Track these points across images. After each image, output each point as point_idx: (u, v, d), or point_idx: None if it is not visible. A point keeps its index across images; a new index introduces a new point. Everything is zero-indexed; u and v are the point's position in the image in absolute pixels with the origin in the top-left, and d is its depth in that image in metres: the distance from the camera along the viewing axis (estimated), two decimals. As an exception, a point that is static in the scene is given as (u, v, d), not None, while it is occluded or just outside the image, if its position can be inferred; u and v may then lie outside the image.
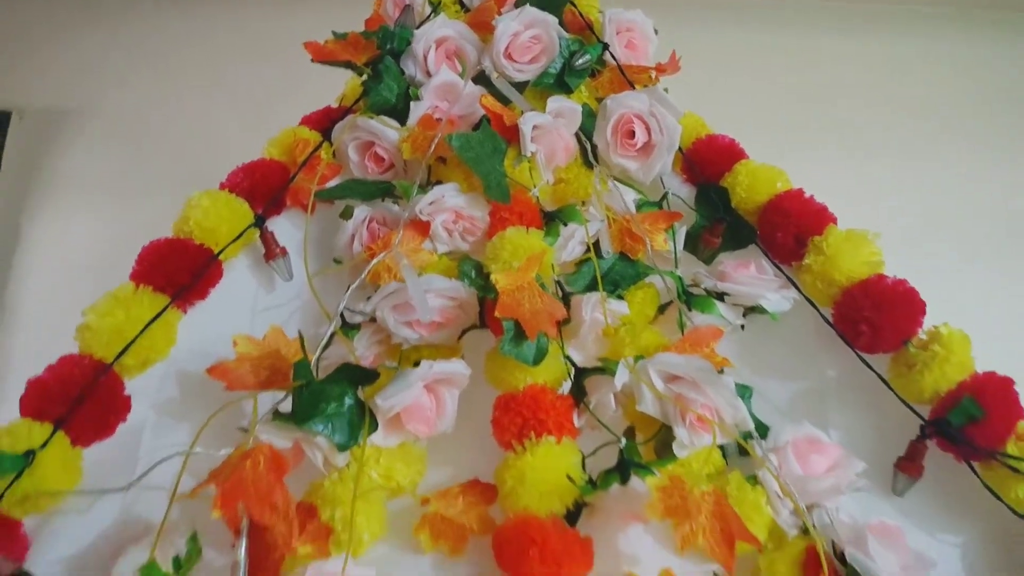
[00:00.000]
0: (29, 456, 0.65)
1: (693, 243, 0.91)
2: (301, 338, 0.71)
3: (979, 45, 1.91)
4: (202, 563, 0.70)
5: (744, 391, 0.80)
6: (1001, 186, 1.72)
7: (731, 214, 0.89)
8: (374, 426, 0.73)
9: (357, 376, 0.72)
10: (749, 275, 0.84)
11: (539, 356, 0.74)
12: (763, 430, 0.76)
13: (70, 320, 0.78)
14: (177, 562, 0.67)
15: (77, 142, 1.79)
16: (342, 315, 0.81)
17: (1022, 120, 1.82)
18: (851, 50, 1.90)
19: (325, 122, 0.93)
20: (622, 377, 0.73)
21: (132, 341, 0.71)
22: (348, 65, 0.93)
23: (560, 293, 0.82)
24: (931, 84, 1.85)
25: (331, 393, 0.71)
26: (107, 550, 0.69)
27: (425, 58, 0.94)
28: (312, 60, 0.93)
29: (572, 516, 0.70)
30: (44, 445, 0.66)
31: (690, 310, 0.84)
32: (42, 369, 0.74)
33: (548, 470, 0.69)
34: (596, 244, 0.87)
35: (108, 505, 0.71)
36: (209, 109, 1.79)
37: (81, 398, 0.69)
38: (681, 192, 0.93)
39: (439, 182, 0.86)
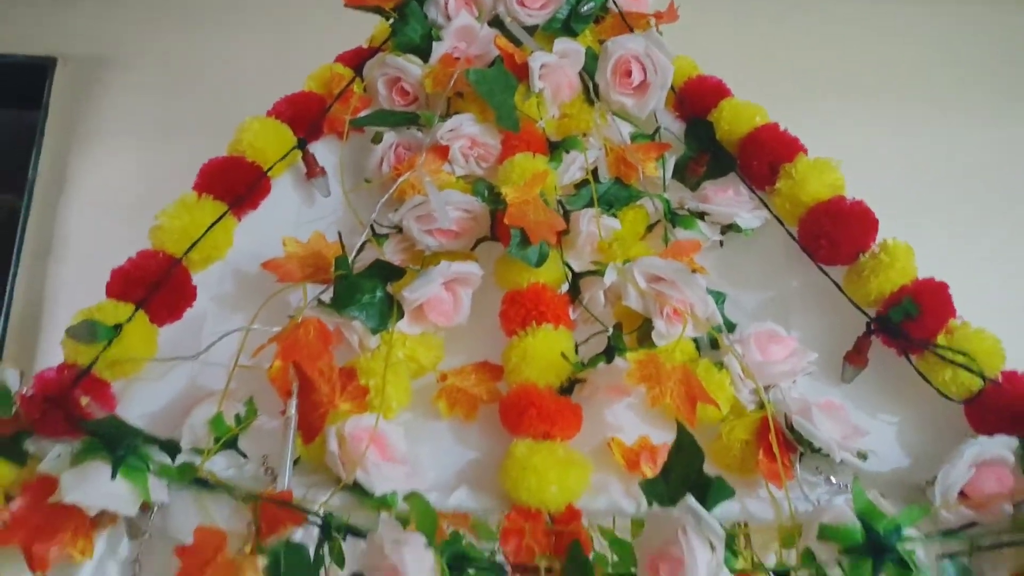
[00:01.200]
0: (117, 329, 0.79)
1: (681, 172, 1.02)
2: (340, 238, 0.85)
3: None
4: (256, 425, 0.84)
5: (718, 297, 0.93)
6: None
7: (715, 145, 1.00)
8: (400, 315, 0.86)
9: (387, 272, 0.86)
10: (727, 197, 0.96)
11: (541, 259, 0.87)
12: (731, 327, 0.89)
13: (112, 250, 0.91)
14: (238, 418, 0.81)
15: (116, 87, 1.92)
16: (372, 226, 0.94)
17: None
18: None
19: (357, 60, 1.05)
20: (611, 276, 0.85)
21: (198, 240, 0.85)
22: (377, 10, 1.05)
23: (561, 210, 0.94)
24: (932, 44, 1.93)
25: (365, 286, 0.85)
26: (178, 411, 0.83)
27: (446, 4, 1.05)
28: (344, 4, 1.05)
29: (566, 391, 0.83)
30: (129, 320, 0.80)
31: (674, 227, 0.96)
32: (83, 295, 0.88)
33: (546, 350, 0.82)
34: (594, 170, 0.99)
35: (178, 375, 0.86)
36: (237, 55, 1.90)
37: (157, 284, 0.82)
38: (672, 126, 1.04)
39: (457, 113, 0.98)
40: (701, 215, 0.97)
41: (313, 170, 0.97)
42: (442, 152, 0.95)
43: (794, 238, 0.94)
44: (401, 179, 0.92)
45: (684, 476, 0.67)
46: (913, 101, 1.86)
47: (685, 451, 0.68)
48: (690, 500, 0.62)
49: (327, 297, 0.84)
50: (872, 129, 1.79)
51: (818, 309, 0.93)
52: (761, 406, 0.82)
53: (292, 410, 0.79)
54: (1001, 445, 0.76)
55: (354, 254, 0.89)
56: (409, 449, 0.80)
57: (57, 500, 0.66)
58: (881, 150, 1.73)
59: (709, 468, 0.70)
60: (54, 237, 1.79)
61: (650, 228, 0.99)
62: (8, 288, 1.68)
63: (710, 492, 0.65)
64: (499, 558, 0.72)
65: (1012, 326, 0.84)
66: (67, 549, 0.70)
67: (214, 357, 0.86)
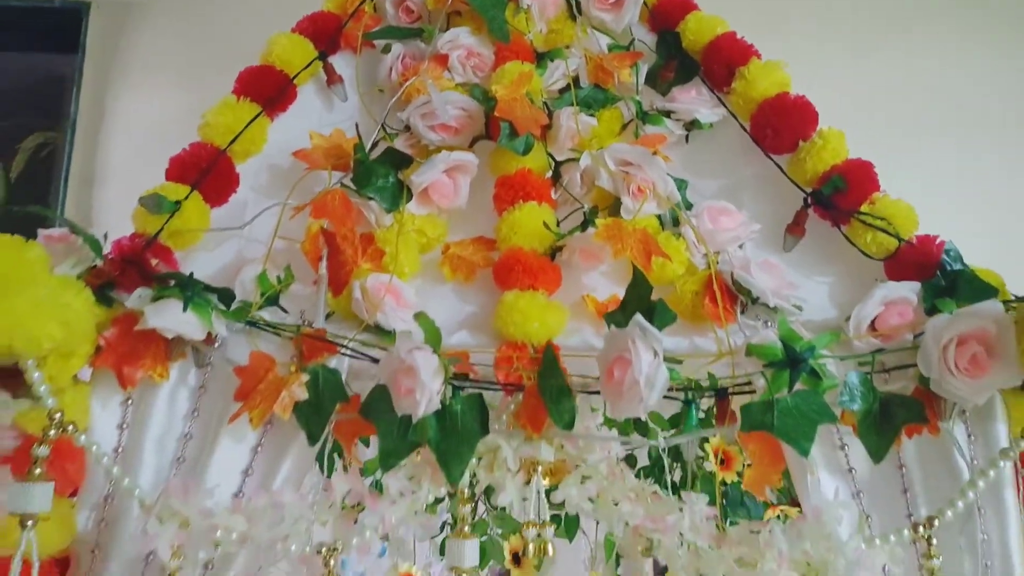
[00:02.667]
0: (177, 204, 0.96)
1: (652, 78, 1.17)
2: (358, 129, 1.01)
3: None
4: (292, 290, 1.02)
5: (681, 183, 1.08)
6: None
7: (681, 53, 1.14)
8: (409, 197, 1.02)
9: (397, 159, 1.02)
10: (690, 97, 1.11)
11: (527, 149, 1.02)
12: (690, 207, 1.05)
13: (148, 177, 1.07)
14: (278, 279, 0.98)
15: (147, 29, 2.07)
16: (384, 125, 1.09)
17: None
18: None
19: (368, -16, 1.19)
20: (585, 161, 1.01)
21: (239, 134, 1.01)
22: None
23: (546, 110, 1.09)
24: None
25: (379, 171, 1.01)
26: (228, 276, 1.00)
27: (444, -68, 1.19)
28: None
29: (548, 257, 1.00)
30: (186, 198, 0.97)
31: (644, 125, 1.11)
32: (127, 217, 1.04)
33: (531, 221, 0.98)
34: (576, 78, 1.14)
35: (227, 248, 1.03)
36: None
37: (207, 170, 0.99)
38: (645, 38, 1.18)
39: (455, 27, 1.13)
40: (667, 113, 1.12)
41: (332, 78, 1.12)
42: (442, 60, 1.10)
43: (747, 131, 1.09)
44: (407, 84, 1.07)
45: (636, 305, 0.83)
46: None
47: (638, 287, 0.84)
48: (638, 318, 0.79)
49: (347, 181, 1.01)
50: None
51: (765, 192, 1.08)
52: (710, 267, 0.98)
53: (323, 269, 0.96)
54: (906, 288, 0.92)
55: (369, 147, 1.05)
56: (418, 304, 0.98)
57: (142, 327, 0.84)
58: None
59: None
60: (96, 167, 1.97)
61: (624, 127, 1.14)
62: (60, 211, 1.87)
63: (656, 314, 0.81)
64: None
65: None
66: (148, 372, 0.88)
67: (256, 234, 1.03)
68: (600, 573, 1.51)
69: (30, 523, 0.77)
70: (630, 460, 1.46)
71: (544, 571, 1.53)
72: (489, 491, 1.49)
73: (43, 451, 0.78)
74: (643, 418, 0.78)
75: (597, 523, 1.48)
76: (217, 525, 0.79)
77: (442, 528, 1.53)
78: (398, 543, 1.59)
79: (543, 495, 0.86)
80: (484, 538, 1.55)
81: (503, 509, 1.51)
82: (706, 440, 1.47)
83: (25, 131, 2.21)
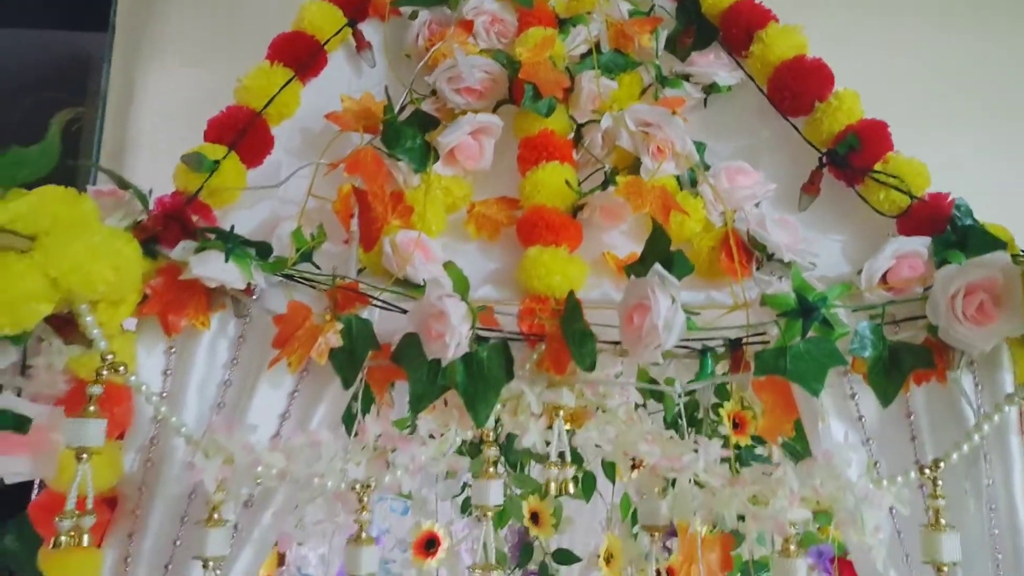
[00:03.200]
0: (216, 163, 1.01)
1: (672, 44, 1.20)
2: (387, 92, 1.05)
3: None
4: (324, 248, 1.06)
5: (700, 146, 1.11)
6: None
7: (700, 18, 1.17)
8: (436, 158, 1.06)
9: (424, 121, 1.06)
10: (709, 61, 1.14)
11: (550, 110, 1.06)
12: (707, 168, 1.08)
13: (178, 151, 1.12)
14: (312, 236, 1.02)
15: (175, 6, 2.12)
16: (411, 89, 1.13)
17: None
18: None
19: (395, -47, 1.23)
20: (607, 122, 1.05)
21: (273, 96, 1.06)
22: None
23: (568, 74, 1.12)
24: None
25: (407, 132, 1.05)
26: (264, 234, 1.04)
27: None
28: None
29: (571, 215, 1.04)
30: (224, 157, 1.01)
31: (663, 88, 1.14)
32: (159, 190, 1.08)
33: (554, 180, 1.02)
34: (597, 43, 1.17)
35: (262, 207, 1.07)
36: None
37: (243, 131, 1.03)
38: (665, 5, 1.21)
39: (480, -5, 1.17)
40: (686, 77, 1.15)
41: (361, 44, 1.16)
42: (467, 26, 1.13)
43: (764, 94, 1.11)
44: (434, 49, 1.11)
45: (655, 256, 0.87)
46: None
47: (657, 239, 0.88)
48: (657, 267, 0.83)
49: (377, 143, 1.05)
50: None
51: (782, 154, 1.11)
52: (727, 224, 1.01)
53: (355, 226, 1.00)
54: (917, 243, 0.95)
55: (397, 111, 1.09)
56: (445, 260, 1.02)
57: (186, 276, 0.89)
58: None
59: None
60: (127, 141, 2.02)
61: (644, 91, 1.17)
62: (92, 178, 1.93)
63: (674, 264, 0.85)
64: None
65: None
66: (191, 320, 0.93)
67: (290, 194, 1.08)
68: (616, 534, 1.56)
69: (84, 456, 0.82)
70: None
71: (562, 530, 1.58)
72: (509, 456, 1.55)
73: (96, 390, 0.84)
74: (659, 361, 0.82)
75: (613, 485, 1.53)
76: (259, 460, 0.84)
77: (463, 489, 1.58)
78: (421, 502, 1.65)
79: (564, 438, 0.90)
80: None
81: (523, 470, 1.56)
82: (720, 405, 1.51)
83: (54, 107, 2.28)
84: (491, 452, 0.93)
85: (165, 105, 2.02)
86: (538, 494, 1.55)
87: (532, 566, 1.57)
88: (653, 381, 1.38)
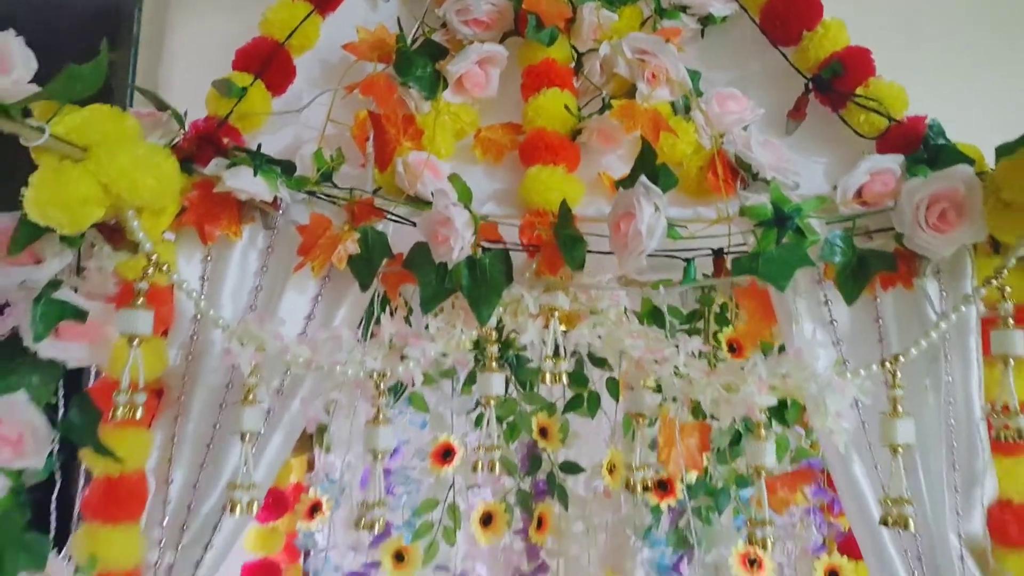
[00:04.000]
0: (244, 90, 1.10)
1: (671, -20, 1.25)
2: (399, 22, 1.12)
3: None
4: (343, 171, 1.15)
5: (695, 75, 1.18)
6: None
7: (700, -46, 1.22)
8: (445, 86, 1.14)
9: (434, 50, 1.14)
10: (705, -7, 1.20)
11: (552, 40, 1.13)
12: (700, 95, 1.15)
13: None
14: (331, 158, 1.11)
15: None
16: (422, 23, 1.21)
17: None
18: None
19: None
20: (604, 49, 1.12)
21: (295, 29, 1.14)
22: None
23: (570, 6, 1.19)
24: None
25: (418, 61, 1.13)
26: (289, 154, 1.13)
27: None
28: None
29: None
30: (251, 84, 1.10)
31: (661, 20, 1.20)
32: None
33: (554, 105, 1.10)
34: (599, -23, 1.23)
35: (286, 133, 1.16)
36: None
37: (268, 61, 1.12)
38: (664, -58, 1.26)
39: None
40: (684, 8, 1.20)
41: (376, -20, 1.24)
42: (476, -39, 1.20)
43: (756, 24, 1.17)
44: (444, -16, 1.18)
45: (643, 170, 0.95)
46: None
47: (645, 156, 0.96)
48: (643, 178, 0.91)
49: (391, 72, 1.13)
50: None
51: (772, 83, 1.17)
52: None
53: (370, 148, 1.09)
54: (890, 160, 1.01)
55: (409, 43, 1.17)
56: (453, 180, 1.11)
57: (220, 189, 0.99)
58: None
59: (675, 192, 1.00)
60: (159, 83, 2.12)
61: (643, 23, 1.23)
62: (130, 102, 2.04)
63: (659, 177, 0.93)
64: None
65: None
66: (224, 230, 1.03)
67: (311, 120, 1.17)
68: (618, 448, 1.67)
69: (136, 342, 0.94)
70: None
71: (568, 444, 1.70)
72: (519, 375, 1.65)
73: (144, 285, 0.95)
74: (643, 263, 0.90)
75: (616, 404, 1.63)
76: (287, 349, 0.95)
77: (476, 406, 1.70)
78: (438, 417, 1.77)
79: (559, 336, 1.00)
80: (511, 418, 1.71)
81: (532, 389, 1.66)
82: (719, 329, 1.60)
83: (87, 55, 2.38)
84: (493, 349, 1.03)
85: (196, 51, 2.10)
86: (546, 411, 1.66)
87: (541, 476, 1.69)
88: (657, 310, 1.48)
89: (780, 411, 1.43)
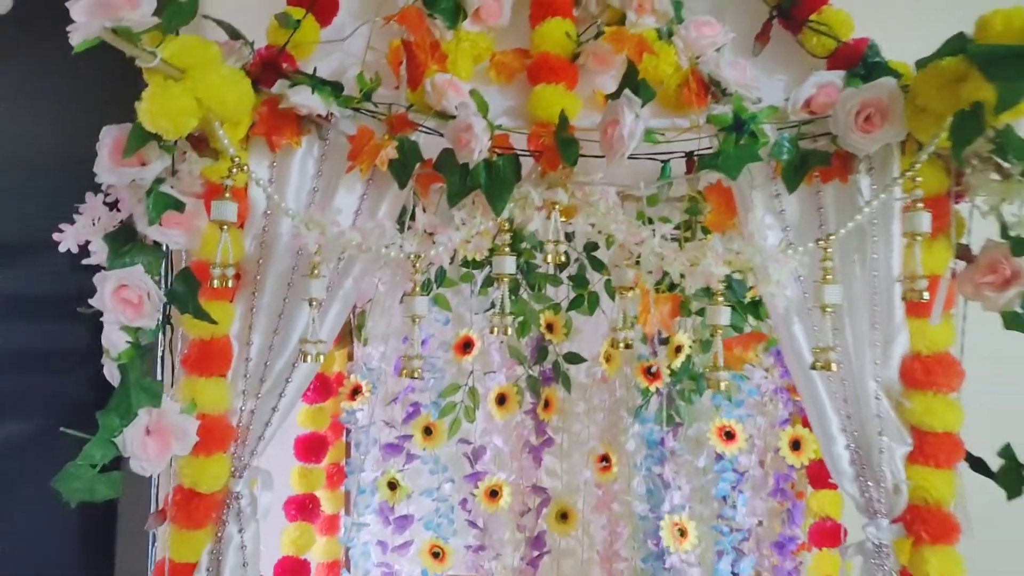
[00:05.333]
0: (298, 21, 1.31)
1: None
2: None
3: None
4: (379, 93, 1.37)
5: (677, 4, 1.37)
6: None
7: None
8: (465, 16, 1.35)
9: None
10: (687, -67, 1.38)
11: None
12: (681, 21, 1.35)
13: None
14: (370, 80, 1.33)
15: None
16: (445, -38, 1.41)
17: None
18: None
19: None
20: (597, -23, 1.32)
21: (337, -31, 1.35)
22: None
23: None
24: None
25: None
26: (337, 76, 1.35)
27: None
28: None
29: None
30: (304, 16, 1.32)
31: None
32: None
33: (557, 32, 1.30)
34: (597, -80, 1.41)
35: (331, 60, 1.38)
36: None
37: (316, -2, 1.33)
38: None
39: None
40: (669, -53, 1.39)
41: (404, -75, 1.43)
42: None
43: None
44: (463, -72, 1.37)
45: (627, 84, 1.16)
46: None
47: (630, 73, 1.17)
48: (627, 92, 1.13)
49: (419, 4, 1.34)
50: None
51: (742, 11, 1.36)
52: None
53: (403, 71, 1.31)
54: (834, 75, 1.22)
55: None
56: (473, 98, 1.33)
57: (284, 105, 1.22)
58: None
59: (656, 106, 1.22)
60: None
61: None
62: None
63: (640, 90, 1.14)
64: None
65: None
66: (287, 140, 1.27)
67: (353, 49, 1.38)
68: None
69: (225, 227, 1.19)
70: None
71: (571, 337, 1.95)
72: (529, 279, 1.90)
73: (229, 182, 1.19)
74: (622, 161, 1.13)
75: (613, 301, 1.88)
76: (343, 233, 1.19)
77: (491, 306, 1.95)
78: (459, 316, 2.03)
79: (559, 225, 1.23)
80: (522, 317, 1.96)
81: (540, 291, 1.91)
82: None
83: None
84: (506, 237, 1.26)
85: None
86: (552, 309, 1.91)
87: (547, 364, 1.95)
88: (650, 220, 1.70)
89: (755, 308, 1.68)
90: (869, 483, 1.22)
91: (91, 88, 1.84)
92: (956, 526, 1.19)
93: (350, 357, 1.97)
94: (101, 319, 1.17)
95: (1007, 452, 1.21)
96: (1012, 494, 1.19)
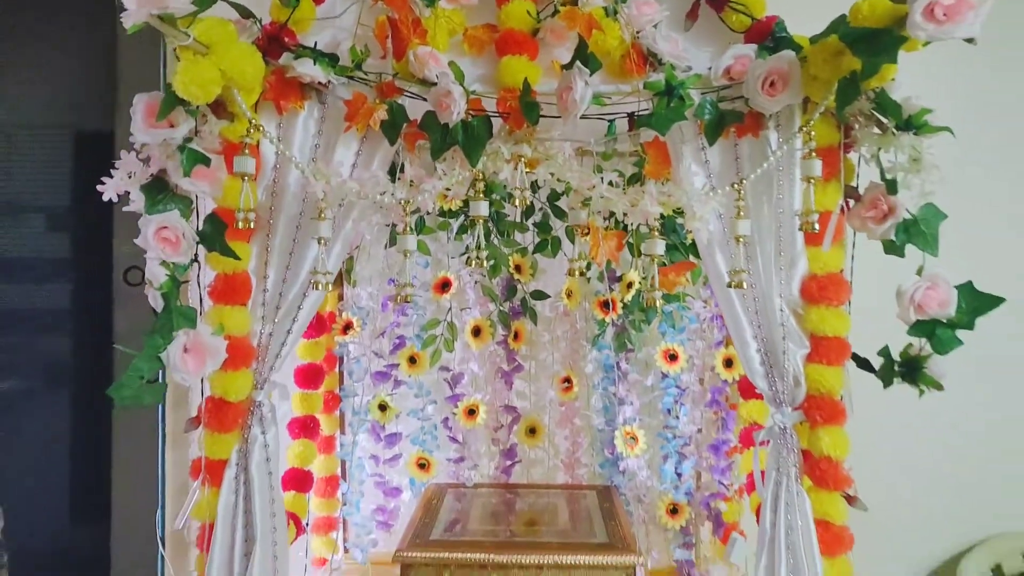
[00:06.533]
0: (298, 0, 1.52)
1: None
2: (407, -50, 1.55)
3: None
4: (368, 63, 1.59)
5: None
6: None
7: None
8: (441, -3, 1.57)
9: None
10: (630, -77, 1.61)
11: (518, -39, 1.56)
12: (624, 1, 1.59)
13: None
14: (362, 52, 1.56)
15: None
16: (422, -53, 1.62)
17: None
18: None
19: None
20: (555, -32, 1.55)
21: (330, -46, 1.56)
22: None
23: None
24: None
25: (421, -21, 1.56)
26: (331, 49, 1.57)
27: None
28: None
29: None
30: (302, -2, 1.53)
31: (599, -56, 1.62)
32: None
33: (520, 10, 1.54)
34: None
35: (325, 35, 1.60)
36: None
37: (312, -20, 1.54)
38: None
39: None
40: (615, -65, 1.63)
41: (386, -87, 1.64)
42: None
43: (668, -55, 1.60)
44: (438, -84, 1.58)
45: (578, 57, 1.41)
46: None
47: (581, 47, 1.41)
48: (578, 63, 1.37)
49: (401, -14, 1.56)
50: None
51: (678, -8, 1.62)
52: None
53: (389, 44, 1.54)
54: (748, 48, 1.48)
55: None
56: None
57: (291, 74, 1.45)
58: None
59: (603, 75, 1.47)
60: None
61: (586, -55, 1.65)
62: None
63: (589, 62, 1.39)
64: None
65: None
66: (292, 104, 1.49)
67: (345, 24, 1.60)
68: (574, 278, 2.20)
69: (245, 179, 1.42)
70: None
71: (537, 277, 2.23)
72: (500, 226, 2.16)
73: (248, 139, 1.42)
74: (575, 121, 1.38)
75: (573, 245, 2.15)
76: (344, 182, 1.43)
77: (464, 251, 2.20)
78: (437, 260, 2.27)
79: (524, 175, 1.49)
80: (492, 262, 2.23)
81: (510, 237, 2.16)
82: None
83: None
84: (480, 185, 1.51)
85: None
86: (520, 253, 2.18)
87: (516, 301, 2.23)
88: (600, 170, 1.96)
89: (694, 248, 1.96)
90: (776, 379, 1.52)
91: (71, 65, 2.02)
92: (844, 411, 1.50)
93: (340, 298, 2.22)
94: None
95: (885, 352, 1.52)
96: (887, 383, 1.50)
